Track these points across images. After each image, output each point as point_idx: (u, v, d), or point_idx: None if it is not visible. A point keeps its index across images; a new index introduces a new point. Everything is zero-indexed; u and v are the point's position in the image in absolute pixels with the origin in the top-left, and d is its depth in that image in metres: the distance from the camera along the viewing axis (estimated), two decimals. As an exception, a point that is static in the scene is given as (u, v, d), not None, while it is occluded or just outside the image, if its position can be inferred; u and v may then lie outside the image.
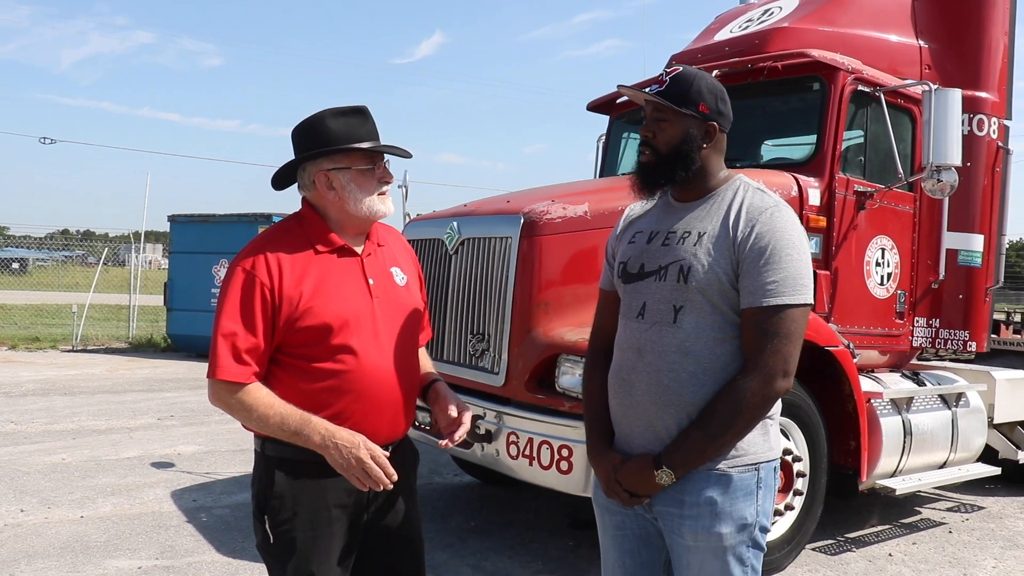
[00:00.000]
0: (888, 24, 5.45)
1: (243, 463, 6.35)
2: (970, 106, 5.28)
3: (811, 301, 1.98)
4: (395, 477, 2.04)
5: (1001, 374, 5.69)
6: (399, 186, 5.79)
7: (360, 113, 2.16)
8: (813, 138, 4.92)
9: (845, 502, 5.12)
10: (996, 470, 5.47)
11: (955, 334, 5.47)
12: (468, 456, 4.36)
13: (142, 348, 14.81)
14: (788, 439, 4.27)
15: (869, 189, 4.93)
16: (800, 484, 4.35)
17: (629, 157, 6.06)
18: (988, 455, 5.68)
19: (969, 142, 5.28)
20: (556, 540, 4.79)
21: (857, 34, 5.31)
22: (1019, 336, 6.86)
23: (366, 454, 2.00)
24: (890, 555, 4.74)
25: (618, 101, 6.13)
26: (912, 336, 5.33)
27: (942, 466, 5.20)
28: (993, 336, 6.14)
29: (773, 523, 4.05)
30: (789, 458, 4.27)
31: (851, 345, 4.52)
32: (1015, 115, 5.89)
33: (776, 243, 1.94)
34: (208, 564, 4.28)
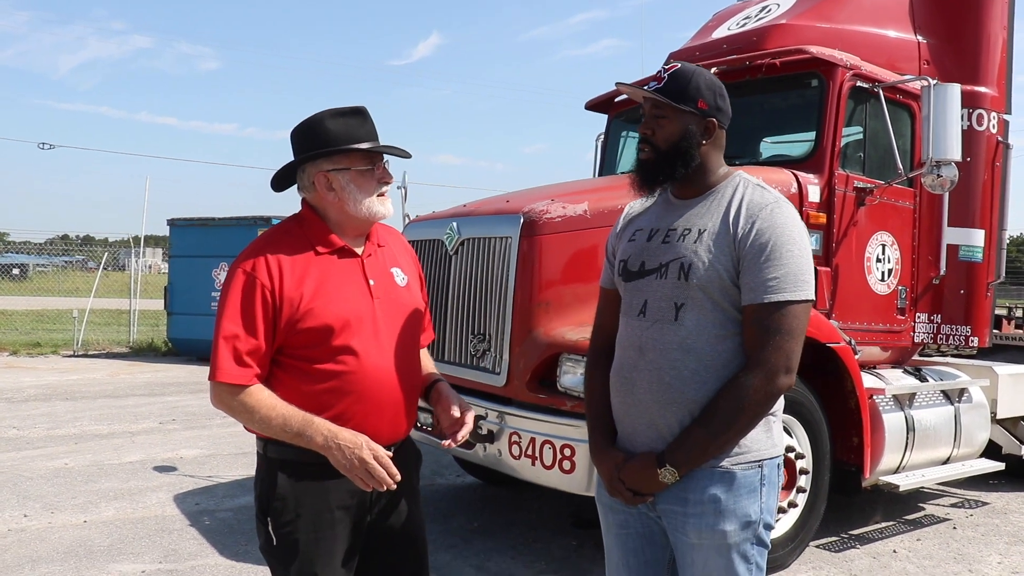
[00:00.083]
0: (886, 20, 5.45)
1: (245, 466, 6.35)
2: (969, 101, 5.27)
3: (812, 297, 1.97)
4: (398, 477, 2.03)
5: (1004, 369, 5.68)
6: (398, 187, 5.78)
7: (359, 114, 2.16)
8: (812, 135, 4.92)
9: (848, 499, 5.12)
10: (1000, 465, 5.46)
11: (957, 329, 5.46)
12: (470, 457, 4.35)
13: (143, 352, 14.81)
14: (791, 436, 4.26)
15: (869, 185, 4.92)
16: (803, 481, 4.34)
17: (628, 155, 6.06)
18: (991, 450, 5.68)
19: (969, 137, 5.28)
20: (559, 540, 4.78)
21: (855, 30, 5.31)
22: (1021, 331, 6.85)
23: (369, 454, 2.00)
24: (894, 552, 4.74)
25: (616, 100, 6.12)
26: (914, 332, 5.33)
27: (945, 462, 5.19)
28: (995, 331, 6.13)
29: (777, 521, 4.05)
30: (792, 455, 4.27)
31: (852, 341, 4.51)
32: (1015, 110, 5.87)
33: (777, 239, 1.93)
34: (211, 567, 4.27)
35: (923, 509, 5.64)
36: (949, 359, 5.89)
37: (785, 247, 1.93)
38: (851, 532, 5.04)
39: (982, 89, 5.51)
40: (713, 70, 4.73)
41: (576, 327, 4.00)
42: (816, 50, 4.88)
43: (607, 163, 6.30)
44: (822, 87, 4.86)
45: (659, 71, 2.09)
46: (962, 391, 5.34)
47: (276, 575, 2.15)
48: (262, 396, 2.01)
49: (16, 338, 15.76)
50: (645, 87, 2.07)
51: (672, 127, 2.04)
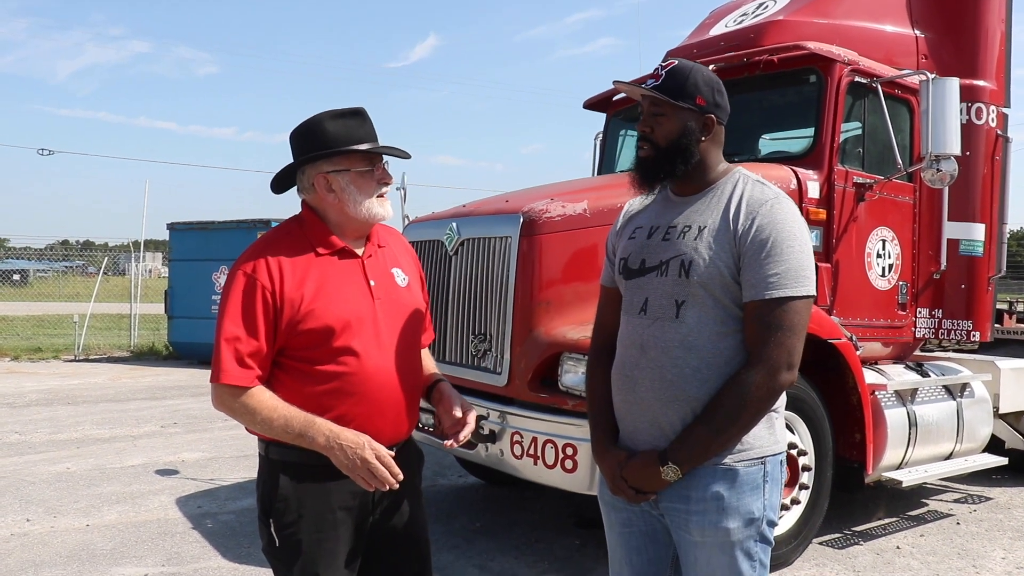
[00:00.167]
0: (883, 15, 5.44)
1: (247, 469, 6.35)
2: (968, 95, 5.27)
3: (813, 293, 1.97)
4: (400, 477, 2.03)
5: (1006, 363, 5.67)
6: (397, 188, 5.78)
7: (358, 115, 2.15)
8: (811, 131, 4.92)
9: (851, 495, 5.11)
10: (1003, 460, 5.45)
11: (958, 324, 5.45)
12: (472, 457, 4.35)
13: (144, 356, 14.82)
14: (793, 433, 4.26)
15: (868, 180, 4.92)
16: (806, 478, 4.34)
17: (627, 154, 6.06)
18: (994, 445, 5.67)
19: (968, 131, 5.27)
20: (562, 539, 4.78)
21: (852, 25, 5.30)
22: (1023, 325, 6.84)
23: (371, 454, 1.99)
24: (898, 548, 4.73)
25: (614, 98, 6.12)
26: (915, 327, 5.32)
27: (948, 457, 5.19)
28: (996, 326, 6.12)
29: (780, 517, 4.05)
30: (794, 452, 4.26)
31: (854, 337, 4.51)
32: (1014, 103, 5.87)
33: (777, 235, 1.93)
34: (214, 570, 4.27)
35: (926, 505, 5.64)
36: (951, 354, 5.89)
37: (786, 243, 1.93)
38: (854, 528, 5.04)
39: (981, 83, 5.50)
40: (711, 67, 4.72)
41: (577, 326, 4.00)
42: (814, 46, 4.88)
43: (606, 162, 6.30)
44: (820, 83, 4.86)
45: (657, 68, 2.09)
46: (964, 386, 5.33)
47: (279, 576, 2.15)
48: (264, 398, 2.01)
49: (17, 343, 15.77)
50: (643, 85, 2.07)
51: (671, 124, 2.03)
